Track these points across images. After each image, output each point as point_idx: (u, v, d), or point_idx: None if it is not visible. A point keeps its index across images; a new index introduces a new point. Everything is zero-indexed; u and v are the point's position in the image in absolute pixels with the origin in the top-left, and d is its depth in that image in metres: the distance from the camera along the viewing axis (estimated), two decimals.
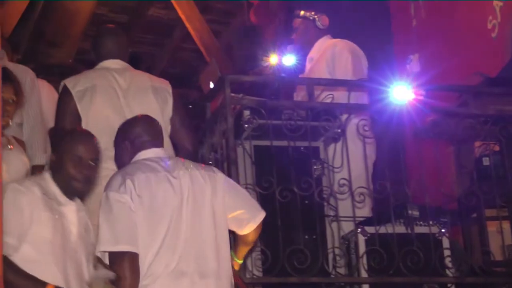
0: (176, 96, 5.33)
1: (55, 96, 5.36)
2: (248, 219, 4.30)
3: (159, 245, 3.82)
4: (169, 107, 5.15)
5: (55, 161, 3.72)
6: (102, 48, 5.28)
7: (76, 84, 4.96)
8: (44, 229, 3.54)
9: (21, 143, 4.68)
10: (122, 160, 4.40)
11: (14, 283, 3.44)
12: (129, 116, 4.71)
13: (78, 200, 3.79)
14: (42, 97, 5.71)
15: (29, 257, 3.52)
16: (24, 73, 5.36)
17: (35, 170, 4.70)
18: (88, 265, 3.75)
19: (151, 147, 4.36)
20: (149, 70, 6.67)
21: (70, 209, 3.68)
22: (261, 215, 4.33)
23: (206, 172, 4.25)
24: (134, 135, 4.30)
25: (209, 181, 4.25)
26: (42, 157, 4.96)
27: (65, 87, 4.96)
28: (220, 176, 4.11)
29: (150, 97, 5.08)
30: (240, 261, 4.46)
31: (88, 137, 3.85)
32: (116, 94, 4.94)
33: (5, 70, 4.47)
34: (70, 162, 3.61)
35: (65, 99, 4.98)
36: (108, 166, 4.62)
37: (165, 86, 5.27)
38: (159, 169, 4.25)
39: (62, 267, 3.58)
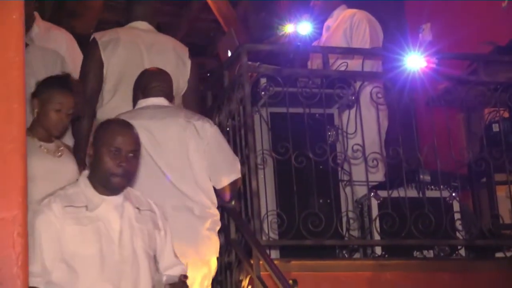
0: (193, 63, 5.51)
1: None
2: (222, 174, 4.58)
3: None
4: (187, 70, 5.33)
5: (93, 155, 3.41)
6: (131, 12, 5.43)
7: (103, 35, 5.24)
8: (74, 244, 3.26)
9: (70, 149, 4.54)
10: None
11: None
12: None
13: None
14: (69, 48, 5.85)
15: (67, 278, 3.27)
16: (59, 38, 5.60)
17: None
18: (147, 260, 3.39)
19: (155, 97, 4.67)
20: None
21: (108, 208, 3.36)
22: (234, 176, 4.61)
23: (198, 121, 4.50)
24: (144, 85, 4.59)
25: (195, 130, 4.51)
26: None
27: (93, 39, 5.20)
28: (211, 129, 4.37)
29: (171, 57, 5.25)
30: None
31: (126, 126, 3.52)
32: (139, 48, 5.13)
33: (68, 78, 4.41)
34: (108, 155, 3.30)
35: (91, 49, 5.21)
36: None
37: (185, 51, 5.46)
38: (147, 117, 4.57)
39: (108, 277, 3.29)
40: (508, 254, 5.46)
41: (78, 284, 3.22)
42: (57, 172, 4.02)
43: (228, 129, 5.51)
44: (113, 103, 5.29)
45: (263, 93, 5.30)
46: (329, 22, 6.50)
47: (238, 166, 4.68)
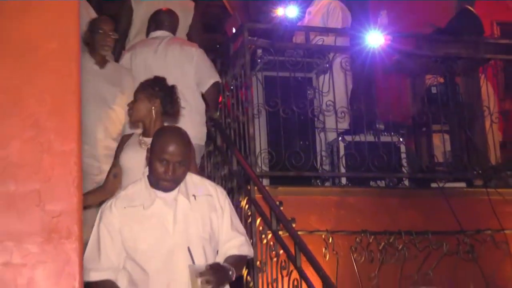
0: (196, 14, 5.75)
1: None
2: (205, 78, 4.94)
3: None
4: (190, 18, 5.61)
5: (149, 159, 3.14)
6: None
7: None
8: (133, 240, 3.07)
9: None
10: None
11: None
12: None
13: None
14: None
15: (139, 273, 3.07)
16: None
17: None
18: (202, 244, 3.10)
19: (159, 30, 5.04)
20: None
21: (162, 204, 3.11)
22: (214, 79, 4.99)
23: (188, 46, 4.97)
24: (156, 19, 4.93)
25: (186, 51, 4.93)
26: None
27: None
28: (197, 52, 4.82)
29: (178, 10, 5.33)
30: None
31: (176, 137, 3.18)
32: (158, 4, 5.24)
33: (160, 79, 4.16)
34: (158, 163, 3.05)
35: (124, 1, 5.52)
36: None
37: (191, 5, 5.71)
38: (153, 44, 4.98)
39: (167, 266, 3.06)
40: (440, 184, 5.47)
41: (148, 279, 3.01)
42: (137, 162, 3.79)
43: (232, 87, 5.53)
44: (136, 40, 5.46)
45: (259, 60, 5.34)
46: (310, 8, 6.43)
47: (217, 75, 4.99)
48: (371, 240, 4.99)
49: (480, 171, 5.66)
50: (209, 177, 4.99)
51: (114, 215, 3.05)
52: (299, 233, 4.08)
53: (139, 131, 4.04)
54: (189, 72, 5.13)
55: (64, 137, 2.61)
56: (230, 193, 5.02)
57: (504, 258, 5.34)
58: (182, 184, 3.10)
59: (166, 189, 3.06)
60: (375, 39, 5.54)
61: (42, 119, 2.58)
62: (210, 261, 3.05)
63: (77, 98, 2.67)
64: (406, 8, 7.34)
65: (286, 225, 4.18)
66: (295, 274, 3.91)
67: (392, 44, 5.68)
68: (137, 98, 3.93)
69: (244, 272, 4.19)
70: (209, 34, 6.45)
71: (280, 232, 4.31)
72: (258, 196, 4.58)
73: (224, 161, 5.27)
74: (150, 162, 3.08)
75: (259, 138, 5.21)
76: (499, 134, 6.36)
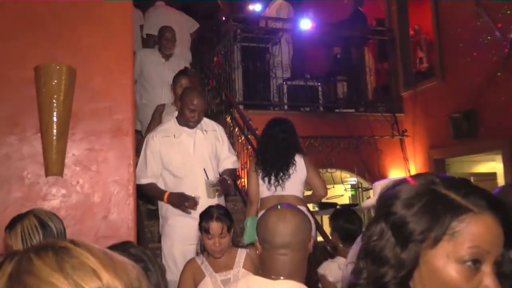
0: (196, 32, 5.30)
1: None
2: None
3: None
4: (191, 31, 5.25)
5: (180, 107, 3.07)
6: None
7: None
8: (168, 157, 3.02)
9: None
10: None
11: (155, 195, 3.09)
12: None
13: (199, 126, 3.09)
14: None
15: (172, 178, 3.03)
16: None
17: None
18: (211, 160, 3.10)
19: None
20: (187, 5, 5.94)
21: (186, 135, 3.09)
22: None
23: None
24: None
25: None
26: None
27: None
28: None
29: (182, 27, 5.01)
30: None
31: (200, 94, 3.12)
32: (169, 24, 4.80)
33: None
34: (188, 111, 3.00)
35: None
36: None
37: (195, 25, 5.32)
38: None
39: (190, 173, 3.01)
40: (340, 110, 5.80)
41: (181, 182, 2.98)
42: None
43: (222, 52, 5.70)
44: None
45: (238, 36, 5.60)
46: (269, 5, 6.44)
47: None
48: (301, 140, 4.56)
49: (362, 103, 6.04)
50: (209, 104, 5.32)
51: (155, 142, 3.01)
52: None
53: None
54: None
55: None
56: (221, 113, 5.27)
57: (374, 152, 5.80)
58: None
59: (191, 127, 3.05)
60: (305, 24, 5.83)
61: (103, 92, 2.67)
62: (215, 172, 3.06)
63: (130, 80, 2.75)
64: (324, 8, 7.32)
65: (252, 131, 4.36)
66: None
67: (315, 27, 5.91)
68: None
69: None
70: (209, 21, 6.43)
71: (249, 136, 4.53)
72: (237, 115, 4.82)
73: (218, 94, 5.54)
74: (181, 109, 3.02)
75: (237, 81, 5.45)
76: (373, 82, 6.40)
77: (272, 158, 3.15)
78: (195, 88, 3.52)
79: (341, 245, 2.97)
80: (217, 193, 2.88)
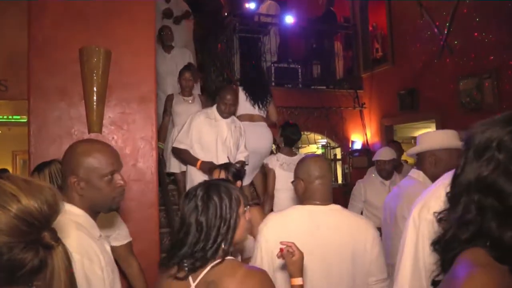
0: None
1: None
2: None
3: None
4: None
5: (217, 100, 3.03)
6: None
7: None
8: (206, 134, 2.97)
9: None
10: None
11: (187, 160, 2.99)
12: None
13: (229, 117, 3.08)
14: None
15: (200, 149, 2.98)
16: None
17: None
18: (234, 148, 3.05)
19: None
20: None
21: (223, 122, 3.04)
22: None
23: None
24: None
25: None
26: None
27: None
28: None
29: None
30: None
31: (232, 89, 3.12)
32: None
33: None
34: (223, 104, 2.97)
35: None
36: None
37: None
38: None
39: (221, 154, 2.97)
40: (315, 87, 5.58)
41: (206, 152, 2.94)
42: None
43: (224, 41, 5.60)
44: None
45: (237, 29, 5.48)
46: (261, 4, 6.18)
47: None
48: (284, 110, 5.12)
49: (332, 81, 5.92)
50: (214, 81, 5.27)
51: (200, 118, 2.99)
52: None
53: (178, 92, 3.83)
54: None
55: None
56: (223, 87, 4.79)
57: (340, 120, 5.61)
58: (230, 118, 3.08)
59: (225, 118, 3.03)
60: (289, 20, 5.76)
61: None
62: (235, 156, 3.04)
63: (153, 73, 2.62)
64: (304, 7, 7.09)
65: None
66: None
67: (296, 22, 5.81)
68: None
69: None
70: (214, 16, 6.16)
71: None
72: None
73: (221, 73, 5.40)
74: (218, 102, 3.01)
75: (236, 64, 5.36)
76: (341, 65, 6.22)
77: (260, 92, 3.51)
78: (196, 80, 3.66)
79: (282, 146, 3.30)
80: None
